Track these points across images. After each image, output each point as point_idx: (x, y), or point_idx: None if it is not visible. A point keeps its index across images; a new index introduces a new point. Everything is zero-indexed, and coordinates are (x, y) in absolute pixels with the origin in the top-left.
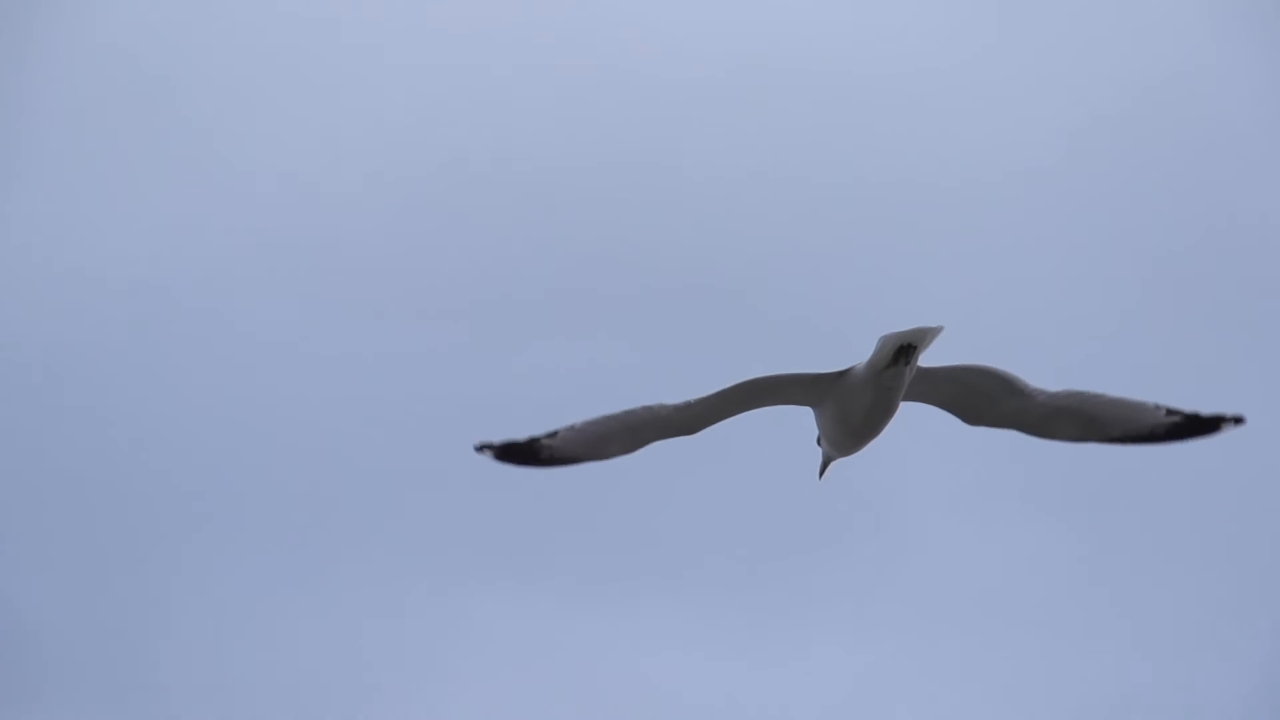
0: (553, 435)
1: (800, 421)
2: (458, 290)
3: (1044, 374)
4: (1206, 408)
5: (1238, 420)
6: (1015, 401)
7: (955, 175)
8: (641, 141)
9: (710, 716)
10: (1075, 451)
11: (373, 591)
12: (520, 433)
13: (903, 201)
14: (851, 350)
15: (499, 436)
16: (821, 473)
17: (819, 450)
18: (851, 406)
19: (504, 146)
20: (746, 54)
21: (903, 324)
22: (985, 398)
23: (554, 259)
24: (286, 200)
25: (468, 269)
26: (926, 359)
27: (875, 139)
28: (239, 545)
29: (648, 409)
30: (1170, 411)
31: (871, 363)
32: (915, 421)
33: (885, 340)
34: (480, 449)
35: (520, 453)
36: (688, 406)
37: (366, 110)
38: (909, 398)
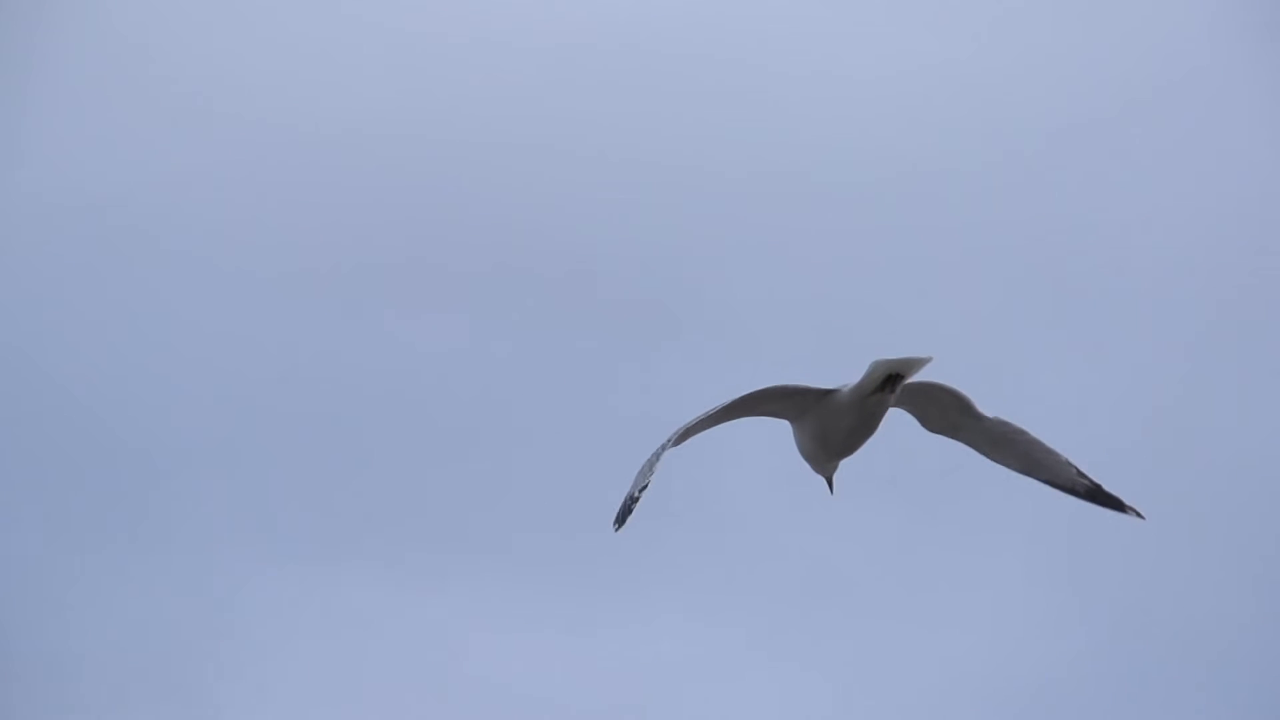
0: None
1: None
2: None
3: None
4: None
5: (1138, 514)
6: (964, 420)
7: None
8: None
9: (536, 692)
10: (892, 431)
11: (187, 572)
12: None
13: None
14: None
15: None
16: (831, 488)
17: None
18: (834, 426)
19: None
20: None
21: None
22: (942, 411)
23: (405, 229)
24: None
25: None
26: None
27: (715, 118)
28: (51, 522)
29: (659, 449)
30: (1080, 474)
31: (859, 387)
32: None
33: (876, 366)
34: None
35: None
36: (687, 432)
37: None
38: None
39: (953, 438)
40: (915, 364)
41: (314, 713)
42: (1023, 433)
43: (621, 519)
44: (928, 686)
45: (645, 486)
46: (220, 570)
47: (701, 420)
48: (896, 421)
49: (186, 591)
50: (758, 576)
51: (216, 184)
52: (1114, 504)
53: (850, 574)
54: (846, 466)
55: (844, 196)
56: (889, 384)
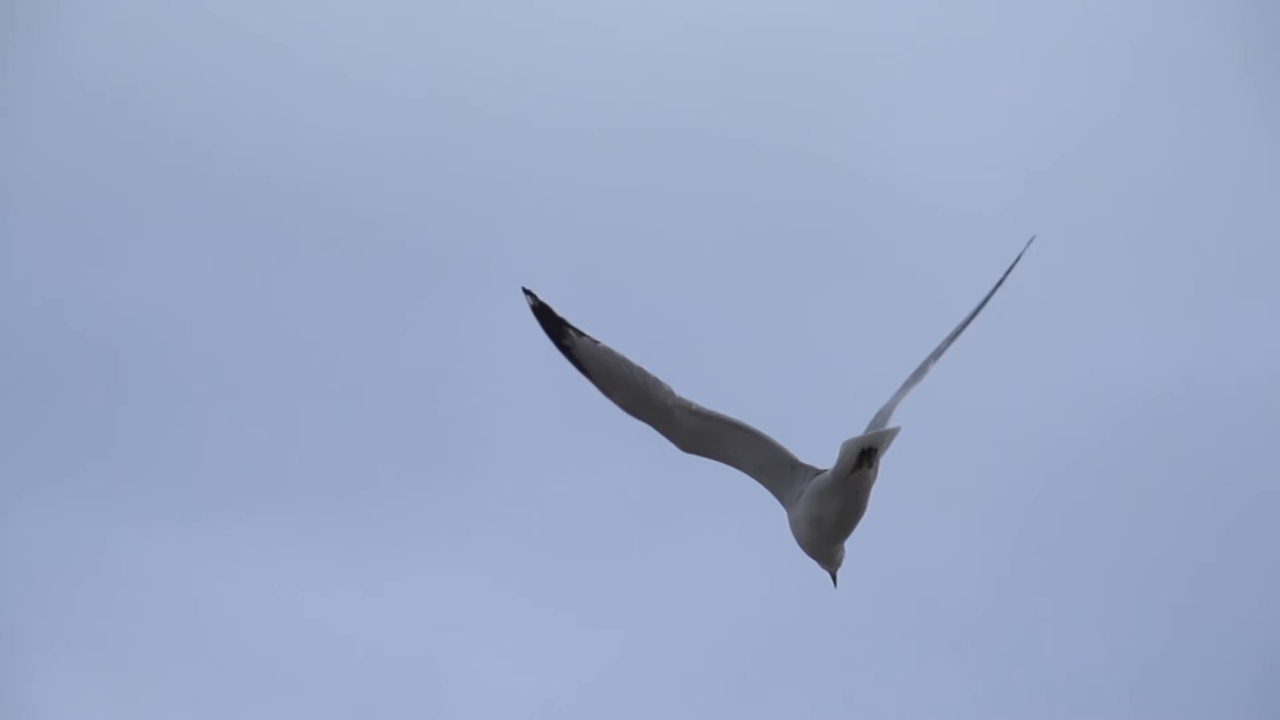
0: (581, 335)
1: None
2: None
3: None
4: None
5: None
6: None
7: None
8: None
9: (301, 639)
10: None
11: None
12: None
13: None
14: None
15: None
16: (835, 581)
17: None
18: (824, 511)
19: None
20: None
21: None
22: None
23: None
24: None
25: None
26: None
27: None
28: None
29: (656, 381)
30: None
31: (837, 470)
32: (500, 349)
33: (847, 447)
34: (526, 291)
35: (551, 320)
36: (689, 408)
37: None
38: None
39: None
40: (885, 436)
41: (62, 666)
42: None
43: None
44: (696, 636)
45: (584, 336)
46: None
47: (709, 420)
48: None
49: None
50: (530, 525)
51: None
52: None
53: (621, 522)
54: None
55: (609, 149)
56: (864, 460)
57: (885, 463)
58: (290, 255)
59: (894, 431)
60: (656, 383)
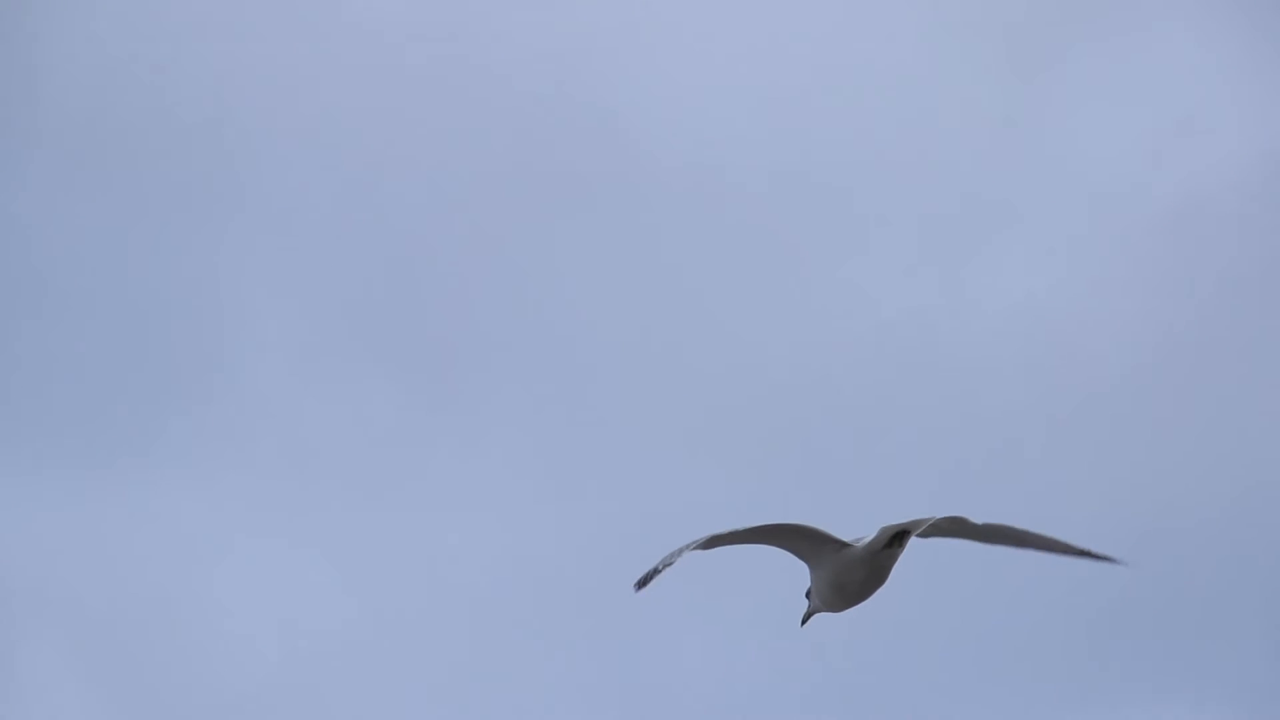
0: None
1: None
2: None
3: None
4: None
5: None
6: (960, 529)
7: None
8: None
9: (39, 566)
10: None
11: None
12: None
13: None
14: None
15: None
16: (804, 621)
17: (805, 600)
18: (849, 579)
19: None
20: None
21: None
22: (939, 530)
23: None
24: None
25: None
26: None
27: None
28: None
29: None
30: (1076, 549)
31: (870, 545)
32: (252, 278)
33: (885, 529)
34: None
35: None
36: (715, 540)
37: None
38: None
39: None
40: (922, 522)
41: None
42: (1017, 531)
43: (643, 583)
44: (429, 566)
45: (667, 565)
46: None
47: (732, 534)
48: None
49: None
50: (281, 456)
51: None
52: (1101, 558)
53: (376, 455)
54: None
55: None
56: (897, 540)
57: None
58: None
59: (930, 520)
60: (684, 547)
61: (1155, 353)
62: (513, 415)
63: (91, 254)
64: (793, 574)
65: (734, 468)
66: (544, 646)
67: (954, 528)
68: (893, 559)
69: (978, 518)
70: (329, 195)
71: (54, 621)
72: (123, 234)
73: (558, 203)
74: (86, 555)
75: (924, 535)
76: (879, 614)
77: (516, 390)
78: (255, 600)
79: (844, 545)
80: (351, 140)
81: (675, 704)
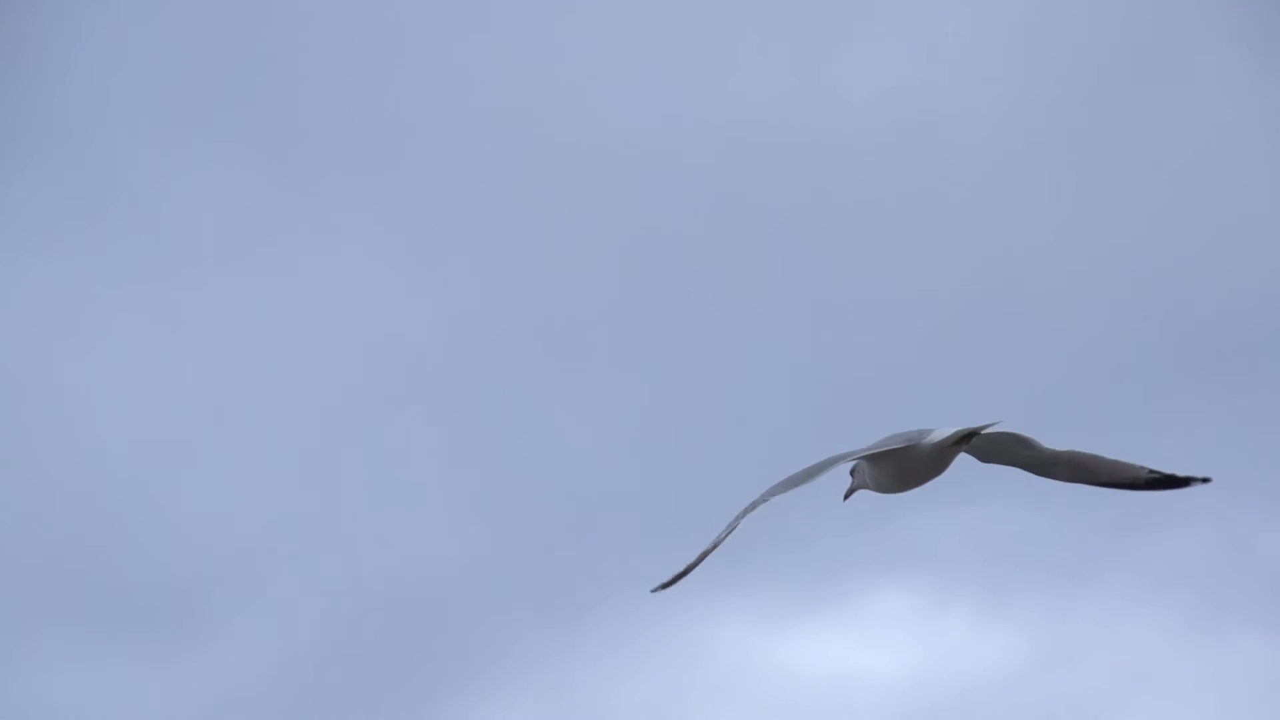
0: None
1: None
2: None
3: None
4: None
5: (1205, 480)
6: (1024, 451)
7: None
8: None
9: None
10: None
11: None
12: None
13: None
14: None
15: None
16: (846, 496)
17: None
18: (912, 470)
19: None
20: None
21: None
22: (1003, 451)
23: None
24: None
25: None
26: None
27: None
28: None
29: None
30: (1152, 471)
31: (939, 442)
32: (108, 43)
33: (956, 431)
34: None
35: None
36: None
37: None
38: None
39: (1009, 465)
40: (990, 426)
41: None
42: (1087, 455)
43: (668, 583)
44: (285, 345)
45: (712, 548)
46: None
47: (793, 479)
48: None
49: None
50: (136, 224)
51: None
52: (1179, 483)
53: (218, 230)
54: None
55: None
56: (965, 440)
57: None
58: None
59: (996, 423)
60: (741, 513)
61: (1025, 140)
62: (373, 203)
63: None
64: None
65: (588, 249)
66: (403, 418)
67: (1021, 451)
68: (956, 454)
69: (1047, 441)
70: None
71: None
72: None
73: None
74: None
75: (986, 460)
76: None
77: (377, 179)
78: (107, 376)
79: (908, 447)
80: None
81: (546, 470)
